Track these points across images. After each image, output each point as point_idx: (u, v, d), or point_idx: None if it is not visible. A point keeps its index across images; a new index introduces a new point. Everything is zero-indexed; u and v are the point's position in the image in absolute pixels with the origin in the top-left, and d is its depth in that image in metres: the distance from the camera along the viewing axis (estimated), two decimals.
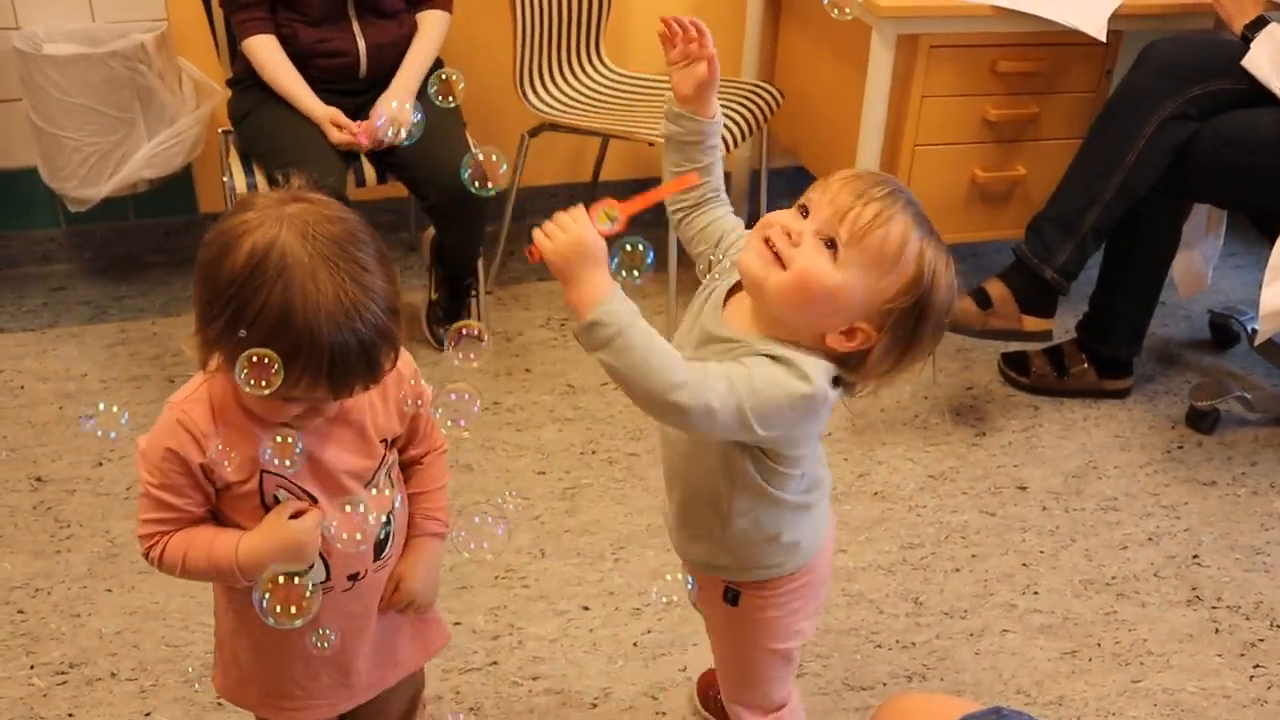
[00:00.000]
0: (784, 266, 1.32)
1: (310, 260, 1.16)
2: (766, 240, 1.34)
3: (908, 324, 1.33)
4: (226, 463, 1.26)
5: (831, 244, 1.31)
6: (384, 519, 1.40)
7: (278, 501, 1.32)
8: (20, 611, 2.13)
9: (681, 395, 1.25)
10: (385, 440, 1.40)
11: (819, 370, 1.33)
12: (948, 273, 1.34)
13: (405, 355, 1.36)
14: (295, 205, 1.20)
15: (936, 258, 1.33)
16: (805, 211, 1.34)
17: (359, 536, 1.27)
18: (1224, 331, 3.11)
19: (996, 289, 2.63)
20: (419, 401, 1.38)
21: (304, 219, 1.18)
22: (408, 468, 1.48)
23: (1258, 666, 2.13)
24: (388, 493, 1.41)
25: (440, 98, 1.39)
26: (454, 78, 1.44)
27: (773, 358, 1.33)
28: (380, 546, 1.42)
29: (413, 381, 1.40)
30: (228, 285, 1.17)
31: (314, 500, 1.33)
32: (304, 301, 1.15)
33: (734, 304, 1.42)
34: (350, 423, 1.35)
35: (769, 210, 3.48)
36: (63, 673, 2.01)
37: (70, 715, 1.94)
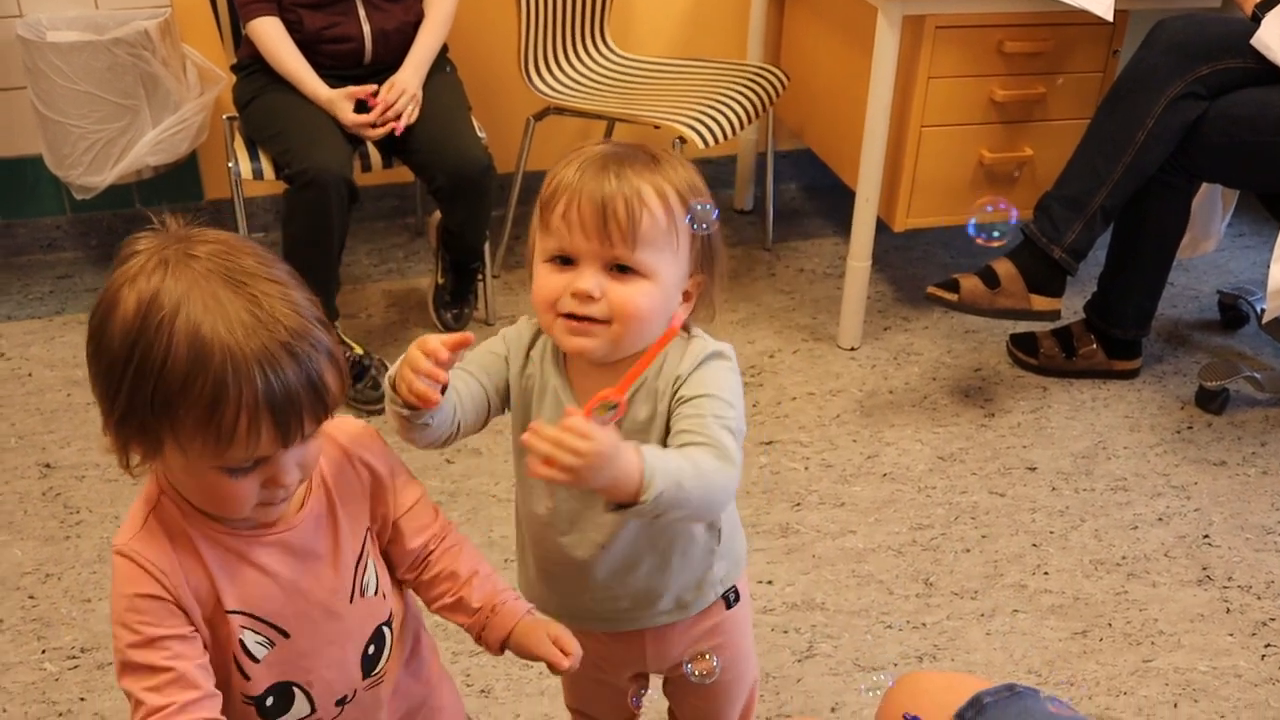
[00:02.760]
0: (606, 322, 1.22)
1: (208, 283, 1.00)
2: (568, 316, 1.22)
3: (705, 245, 1.28)
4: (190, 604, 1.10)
5: (619, 267, 1.22)
6: (373, 630, 1.24)
7: (244, 647, 1.14)
8: (31, 597, 2.13)
9: (735, 477, 1.19)
10: (367, 529, 1.23)
11: (712, 341, 1.30)
12: (686, 172, 1.26)
13: (374, 442, 1.23)
14: (177, 245, 1.04)
15: (677, 180, 1.24)
16: (567, 259, 1.22)
17: None
18: (1233, 312, 3.09)
19: (1004, 268, 2.62)
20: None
21: (189, 253, 1.02)
22: (422, 565, 1.29)
23: (1269, 646, 2.13)
24: (377, 596, 1.23)
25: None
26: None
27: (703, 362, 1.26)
28: (371, 662, 1.24)
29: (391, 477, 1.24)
30: (122, 345, 1.00)
31: (285, 635, 1.16)
32: (213, 325, 0.98)
33: (576, 376, 1.30)
34: (332, 528, 1.19)
35: (775, 191, 3.47)
36: (74, 657, 2.02)
37: (82, 699, 1.94)
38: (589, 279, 1.21)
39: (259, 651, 1.15)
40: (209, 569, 1.11)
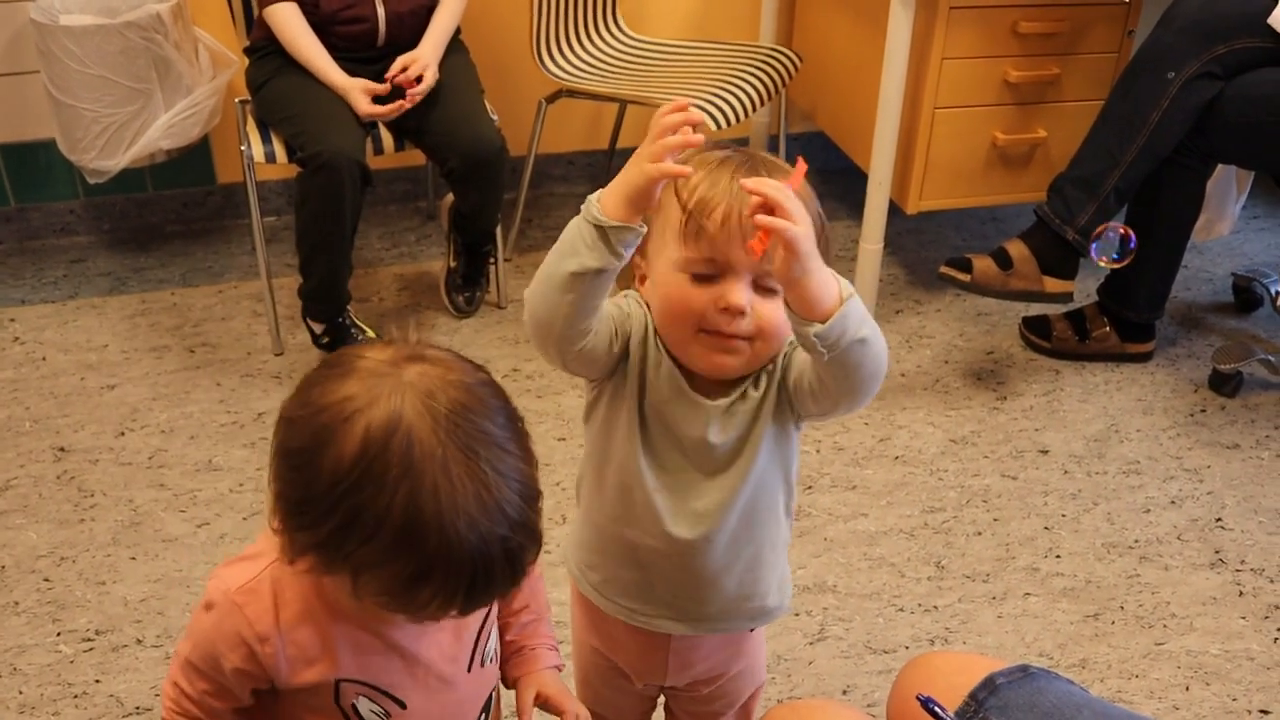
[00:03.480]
0: (748, 339, 1.16)
1: (443, 450, 0.91)
2: (711, 333, 1.15)
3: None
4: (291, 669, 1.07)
5: (768, 287, 1.15)
6: (486, 698, 1.22)
7: (356, 711, 1.10)
8: (46, 580, 2.15)
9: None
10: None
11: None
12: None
13: None
14: (414, 369, 0.94)
15: (811, 193, 1.17)
16: (711, 273, 1.14)
17: None
18: (1247, 294, 3.08)
19: (1017, 249, 2.61)
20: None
21: (428, 389, 0.93)
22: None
23: None
24: (493, 664, 1.21)
25: None
26: None
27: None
28: None
29: None
30: (333, 484, 0.92)
31: (402, 706, 1.11)
32: (438, 508, 0.90)
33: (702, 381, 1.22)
34: None
35: None
36: (89, 639, 2.03)
37: (97, 681, 1.95)
38: (742, 293, 1.13)
39: None
40: (329, 637, 1.06)
